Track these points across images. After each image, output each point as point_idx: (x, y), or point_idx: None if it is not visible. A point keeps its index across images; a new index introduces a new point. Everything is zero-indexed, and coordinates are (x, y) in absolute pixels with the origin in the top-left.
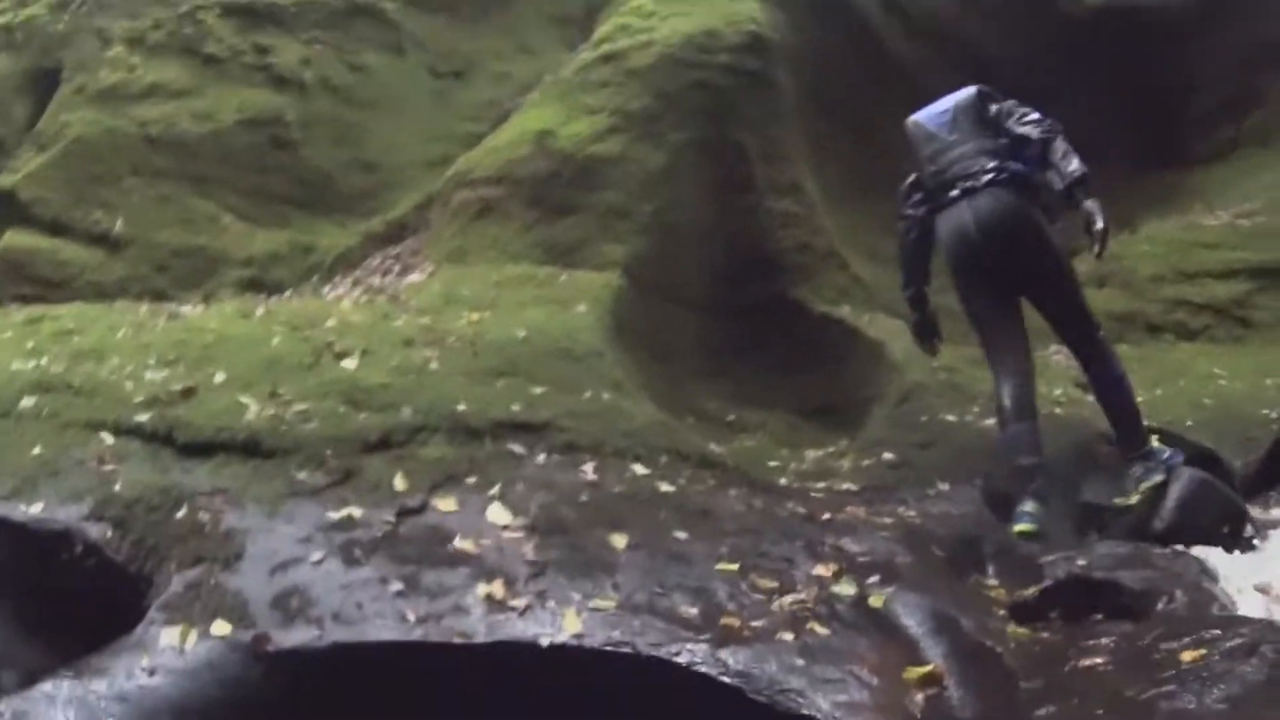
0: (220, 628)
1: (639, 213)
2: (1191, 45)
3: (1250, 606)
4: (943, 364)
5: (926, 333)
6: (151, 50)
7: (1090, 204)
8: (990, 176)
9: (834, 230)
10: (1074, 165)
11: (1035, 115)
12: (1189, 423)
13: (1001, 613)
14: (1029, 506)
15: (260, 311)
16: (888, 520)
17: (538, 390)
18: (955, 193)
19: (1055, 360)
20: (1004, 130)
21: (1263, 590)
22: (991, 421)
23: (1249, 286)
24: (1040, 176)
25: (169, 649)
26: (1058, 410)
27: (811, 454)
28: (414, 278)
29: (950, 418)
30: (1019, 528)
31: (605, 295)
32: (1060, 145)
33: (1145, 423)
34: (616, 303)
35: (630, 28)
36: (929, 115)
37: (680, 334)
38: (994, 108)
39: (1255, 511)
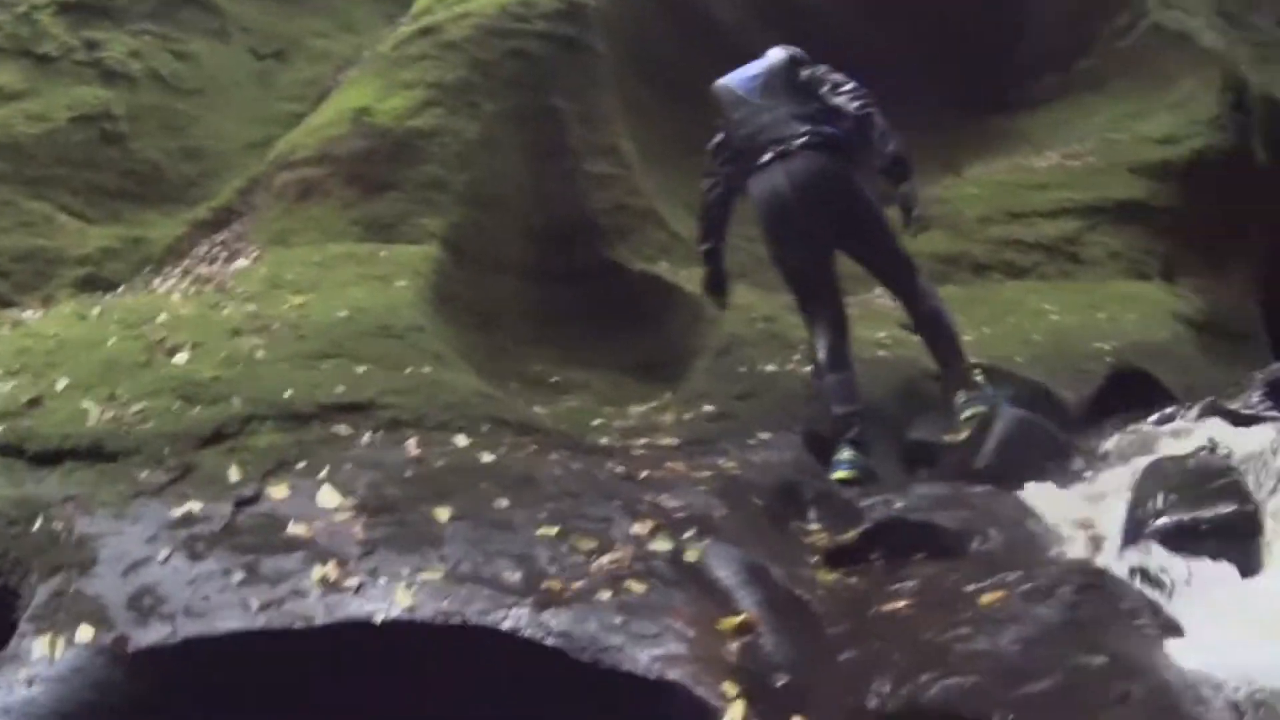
0: (84, 633)
1: (456, 184)
2: None
3: (1070, 544)
4: (761, 313)
5: (717, 287)
6: None
7: (907, 186)
8: (803, 139)
9: (652, 190)
10: (891, 146)
11: (849, 86)
12: (1019, 359)
13: (813, 559)
14: (846, 454)
15: (96, 311)
16: (707, 473)
17: (361, 369)
18: (768, 156)
19: (878, 303)
20: (816, 96)
21: (1084, 526)
22: (811, 368)
23: (1079, 224)
24: (855, 145)
25: (41, 659)
26: (882, 353)
27: (635, 410)
28: (240, 264)
29: (770, 367)
30: (837, 475)
31: (425, 268)
32: (877, 123)
33: (973, 360)
34: (436, 275)
35: (448, 0)
36: (738, 80)
37: (502, 301)
38: (805, 73)
39: (1089, 444)
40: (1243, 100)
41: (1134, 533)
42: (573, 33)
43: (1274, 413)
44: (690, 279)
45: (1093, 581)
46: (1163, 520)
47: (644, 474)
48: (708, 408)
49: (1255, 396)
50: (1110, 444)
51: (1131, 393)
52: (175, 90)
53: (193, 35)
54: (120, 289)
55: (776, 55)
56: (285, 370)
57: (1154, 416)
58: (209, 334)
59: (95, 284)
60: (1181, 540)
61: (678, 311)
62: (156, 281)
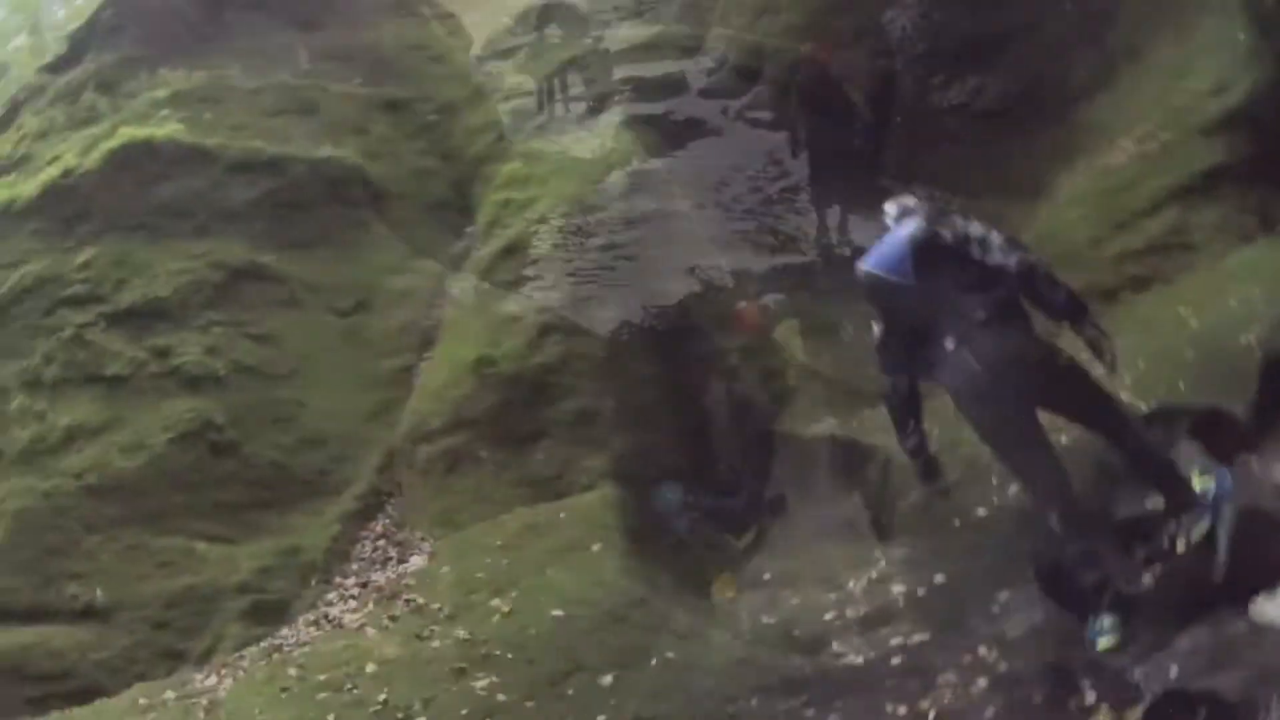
0: None
1: (606, 408)
2: None
3: None
4: (942, 438)
5: (932, 476)
6: (54, 389)
7: (1091, 328)
8: (981, 315)
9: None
10: (1064, 291)
11: (999, 239)
12: (1182, 385)
13: None
14: (1107, 622)
15: (293, 675)
16: (974, 676)
17: (608, 681)
18: (950, 344)
19: None
20: (970, 259)
21: None
22: (1015, 490)
23: (1180, 210)
24: (1025, 299)
25: None
26: (1063, 439)
27: (855, 585)
28: (416, 562)
29: (981, 510)
30: (1102, 645)
31: (610, 519)
32: (1042, 271)
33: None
34: (624, 522)
35: (513, 203)
36: (885, 263)
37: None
38: (947, 234)
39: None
40: (1268, 25)
41: None
42: None
43: None
44: (860, 428)
45: None
46: None
47: (925, 708)
48: (937, 578)
49: None
50: None
51: None
52: (268, 377)
53: (263, 312)
54: (299, 622)
55: (912, 224)
56: (534, 710)
57: None
58: (433, 684)
59: (262, 613)
60: None
61: (856, 464)
62: (330, 599)
